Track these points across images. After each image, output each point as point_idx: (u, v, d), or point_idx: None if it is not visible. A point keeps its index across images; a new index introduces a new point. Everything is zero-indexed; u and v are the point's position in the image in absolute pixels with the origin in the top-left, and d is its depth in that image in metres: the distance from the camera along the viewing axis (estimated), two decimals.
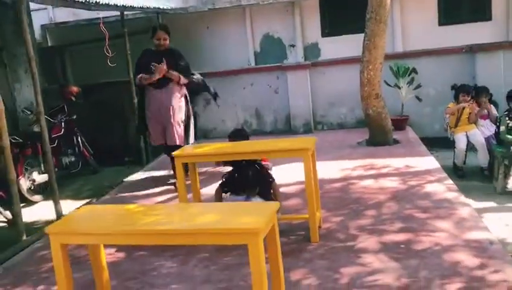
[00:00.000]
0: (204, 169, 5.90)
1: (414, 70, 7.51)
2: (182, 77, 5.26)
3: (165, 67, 5.09)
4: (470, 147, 6.32)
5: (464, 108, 6.28)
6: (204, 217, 2.13)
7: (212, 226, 2.02)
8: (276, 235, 2.25)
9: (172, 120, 5.22)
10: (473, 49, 7.68)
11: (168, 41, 5.27)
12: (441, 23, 8.41)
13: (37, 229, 4.80)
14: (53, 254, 2.19)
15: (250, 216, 2.10)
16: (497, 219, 4.64)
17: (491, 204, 5.17)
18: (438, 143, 7.17)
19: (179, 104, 5.30)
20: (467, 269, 2.95)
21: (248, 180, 3.77)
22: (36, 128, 7.32)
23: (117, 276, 3.25)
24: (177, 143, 5.16)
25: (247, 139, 4.21)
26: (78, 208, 3.09)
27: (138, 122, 5.76)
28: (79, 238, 2.20)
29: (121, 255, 3.68)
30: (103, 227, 2.15)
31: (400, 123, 7.45)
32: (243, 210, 2.25)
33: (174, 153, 3.85)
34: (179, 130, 5.27)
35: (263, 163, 4.07)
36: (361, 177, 5.24)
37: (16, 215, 4.29)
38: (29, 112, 7.52)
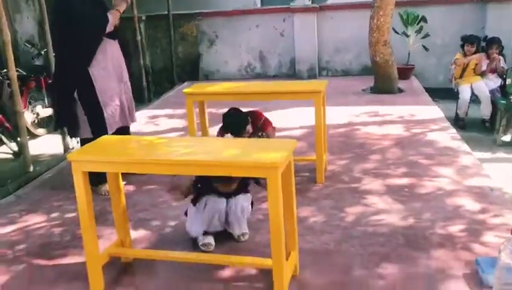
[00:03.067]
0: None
1: (424, 19, 7.38)
2: None
3: None
4: (473, 99, 6.33)
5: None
6: (226, 151, 2.19)
7: (235, 159, 2.07)
8: (291, 172, 2.31)
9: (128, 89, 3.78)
10: None
11: None
12: None
13: (42, 162, 4.86)
14: (75, 181, 2.24)
15: (270, 152, 2.15)
16: (496, 168, 4.74)
17: (490, 154, 5.25)
18: (441, 93, 7.16)
19: None
20: (469, 212, 3.07)
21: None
22: (38, 62, 7.24)
23: (128, 207, 3.32)
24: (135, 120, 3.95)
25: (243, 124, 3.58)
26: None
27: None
28: (102, 166, 2.24)
29: (130, 188, 3.76)
30: (127, 155, 2.20)
31: (406, 72, 7.42)
32: (262, 146, 2.31)
33: (185, 91, 3.80)
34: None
35: (265, 132, 3.74)
36: (365, 124, 5.29)
37: (23, 146, 4.33)
38: (30, 46, 7.40)
